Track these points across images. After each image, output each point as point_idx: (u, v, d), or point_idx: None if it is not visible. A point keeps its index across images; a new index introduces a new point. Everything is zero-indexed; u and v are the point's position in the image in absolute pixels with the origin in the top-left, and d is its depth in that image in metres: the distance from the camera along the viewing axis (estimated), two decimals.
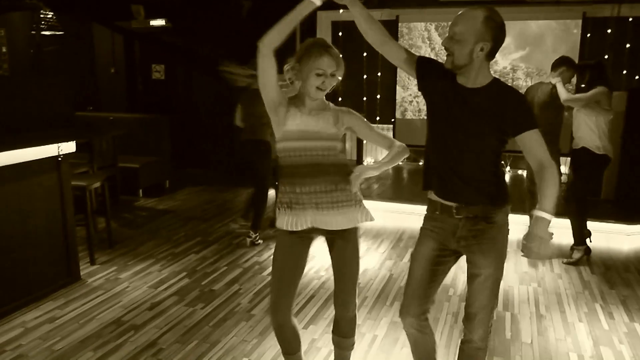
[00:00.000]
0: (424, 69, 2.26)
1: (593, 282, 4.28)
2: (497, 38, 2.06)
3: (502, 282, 4.12)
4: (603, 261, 4.75)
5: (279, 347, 3.12)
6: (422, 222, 2.37)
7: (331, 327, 2.72)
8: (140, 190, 6.79)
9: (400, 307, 2.40)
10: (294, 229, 2.37)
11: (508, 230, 2.27)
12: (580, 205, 4.60)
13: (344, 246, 2.47)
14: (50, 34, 7.06)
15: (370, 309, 3.74)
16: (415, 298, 2.33)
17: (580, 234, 4.64)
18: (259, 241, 5.06)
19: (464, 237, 2.22)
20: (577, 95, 4.62)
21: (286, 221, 2.38)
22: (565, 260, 4.67)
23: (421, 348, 2.46)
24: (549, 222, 2.04)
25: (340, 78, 2.35)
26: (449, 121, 2.17)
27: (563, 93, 4.56)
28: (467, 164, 2.16)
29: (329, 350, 3.12)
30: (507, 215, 2.25)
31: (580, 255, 4.65)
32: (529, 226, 2.09)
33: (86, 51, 8.71)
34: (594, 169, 4.62)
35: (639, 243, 5.27)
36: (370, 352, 3.17)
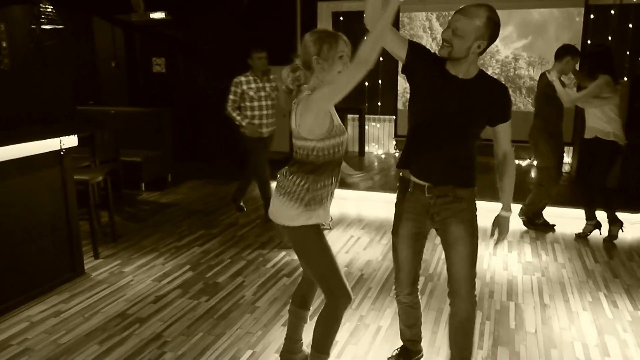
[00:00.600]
0: (415, 53, 2.33)
1: (597, 271, 4.27)
2: (493, 37, 2.23)
3: (505, 272, 4.13)
4: (607, 250, 4.74)
5: (283, 338, 3.16)
6: (395, 203, 2.56)
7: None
8: (143, 184, 6.79)
9: (395, 286, 2.66)
10: (326, 221, 2.47)
11: (476, 207, 2.47)
12: (604, 195, 4.89)
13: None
14: (50, 28, 7.04)
15: (375, 300, 3.75)
16: (406, 276, 2.58)
17: (611, 214, 4.90)
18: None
19: (437, 213, 2.41)
20: (578, 95, 4.65)
21: (321, 215, 2.41)
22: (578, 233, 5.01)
23: (412, 319, 2.76)
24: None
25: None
26: (438, 106, 2.30)
27: (563, 96, 4.59)
28: (449, 147, 2.33)
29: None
30: (474, 195, 2.46)
31: (617, 230, 4.90)
32: (497, 225, 2.51)
33: (86, 45, 8.68)
34: (605, 156, 4.67)
35: None
36: (375, 342, 3.18)
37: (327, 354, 2.55)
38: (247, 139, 5.20)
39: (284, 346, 2.83)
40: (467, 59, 2.24)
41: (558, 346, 3.14)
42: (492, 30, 2.20)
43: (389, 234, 5.11)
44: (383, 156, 8.58)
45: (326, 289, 2.45)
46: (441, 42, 2.27)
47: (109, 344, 3.17)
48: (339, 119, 2.40)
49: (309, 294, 2.74)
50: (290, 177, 2.38)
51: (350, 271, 4.23)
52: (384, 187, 6.53)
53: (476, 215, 2.47)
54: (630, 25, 7.24)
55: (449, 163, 2.36)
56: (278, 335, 3.24)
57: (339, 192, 2.58)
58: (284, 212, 2.38)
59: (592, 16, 7.36)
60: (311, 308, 2.82)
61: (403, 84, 8.39)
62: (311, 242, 2.42)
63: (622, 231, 4.92)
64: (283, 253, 4.62)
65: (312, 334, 2.55)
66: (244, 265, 4.37)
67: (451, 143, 2.34)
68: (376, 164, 8.06)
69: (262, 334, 3.28)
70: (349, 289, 2.46)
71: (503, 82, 2.51)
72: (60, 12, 7.19)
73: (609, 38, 7.29)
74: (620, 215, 5.26)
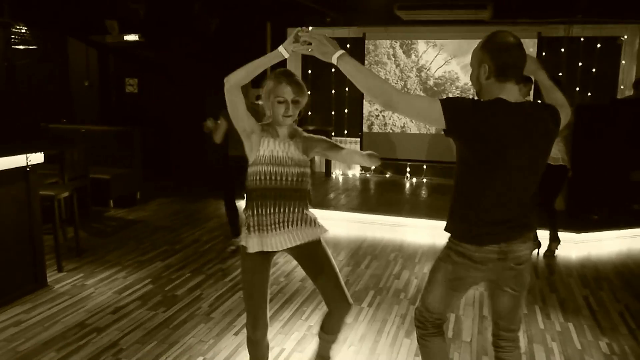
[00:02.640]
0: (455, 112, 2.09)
1: (537, 286, 4.55)
2: (496, 57, 2.06)
3: None
4: (549, 267, 5.04)
5: (233, 347, 3.35)
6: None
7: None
8: (111, 201, 6.93)
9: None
10: (266, 249, 2.51)
11: None
12: (551, 215, 5.31)
13: (313, 251, 2.63)
14: (24, 48, 7.21)
15: (325, 310, 3.95)
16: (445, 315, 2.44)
17: (553, 233, 5.35)
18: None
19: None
20: (563, 148, 5.11)
21: (257, 243, 2.50)
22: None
23: (443, 353, 2.51)
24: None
25: (303, 104, 2.52)
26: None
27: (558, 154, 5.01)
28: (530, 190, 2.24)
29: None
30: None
31: (555, 246, 5.35)
32: None
33: (60, 64, 8.85)
34: (556, 180, 5.12)
35: (586, 251, 5.58)
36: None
37: None
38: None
39: None
40: (482, 90, 2.15)
41: (489, 353, 3.39)
42: (491, 51, 2.08)
43: (346, 251, 5.37)
44: (350, 176, 8.85)
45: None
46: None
47: (66, 351, 3.32)
48: (290, 151, 2.53)
49: (327, 319, 2.80)
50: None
51: (304, 285, 4.44)
52: (345, 207, 6.78)
53: None
54: (580, 56, 7.70)
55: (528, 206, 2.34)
56: (229, 344, 3.44)
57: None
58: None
59: (544, 47, 7.80)
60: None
61: (368, 108, 8.72)
62: (241, 263, 2.62)
63: (557, 249, 5.35)
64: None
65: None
66: (203, 279, 4.56)
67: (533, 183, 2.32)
68: (341, 184, 8.32)
69: (214, 343, 3.46)
70: (259, 321, 2.59)
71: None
72: (36, 32, 7.37)
73: (560, 69, 7.73)
74: (565, 235, 5.60)
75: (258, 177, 2.50)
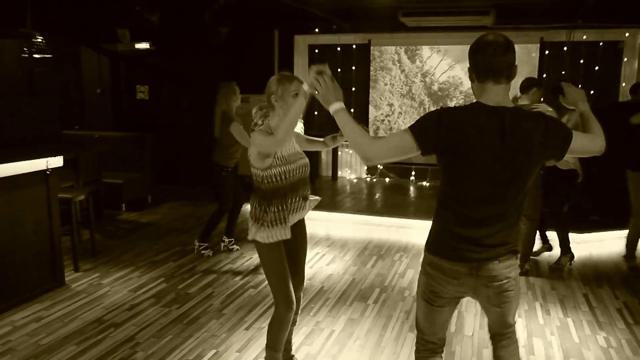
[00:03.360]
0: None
1: (537, 284, 4.68)
2: (472, 59, 2.07)
3: None
4: (550, 267, 5.16)
5: (244, 341, 3.51)
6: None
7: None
8: (123, 205, 7.13)
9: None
10: (286, 238, 2.74)
11: None
12: (562, 220, 5.20)
13: (299, 225, 2.93)
14: (40, 57, 7.43)
15: (331, 308, 4.11)
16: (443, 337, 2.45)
17: (564, 243, 5.16)
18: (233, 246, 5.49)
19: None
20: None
21: (283, 233, 2.72)
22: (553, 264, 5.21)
23: None
24: None
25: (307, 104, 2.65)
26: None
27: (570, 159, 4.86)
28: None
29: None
30: None
31: (566, 261, 5.16)
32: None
33: (73, 72, 9.08)
34: (565, 184, 5.09)
35: (587, 251, 5.70)
36: (327, 344, 3.54)
37: (278, 351, 2.90)
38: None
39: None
40: (474, 92, 2.14)
41: (490, 347, 3.52)
42: (470, 53, 2.09)
43: (352, 251, 5.52)
44: (355, 180, 9.01)
45: (274, 297, 2.83)
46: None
47: (85, 345, 3.49)
48: (293, 147, 2.80)
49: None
50: (252, 202, 2.80)
51: (312, 284, 4.59)
52: (351, 209, 6.93)
53: None
54: (582, 61, 7.83)
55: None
56: (240, 337, 3.60)
57: (309, 213, 2.94)
58: (249, 229, 2.79)
59: (547, 52, 7.94)
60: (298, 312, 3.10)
61: (374, 113, 8.88)
62: (264, 255, 2.80)
63: (571, 265, 5.18)
64: (251, 268, 4.98)
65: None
66: (214, 278, 4.72)
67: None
68: (348, 187, 8.48)
69: (226, 337, 3.62)
70: (293, 299, 2.80)
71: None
72: (50, 41, 7.60)
73: (563, 72, 7.87)
74: (584, 236, 5.74)
75: (274, 179, 2.70)
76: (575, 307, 4.20)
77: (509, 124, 1.98)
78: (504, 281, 2.15)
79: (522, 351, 3.44)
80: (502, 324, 2.34)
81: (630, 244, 5.21)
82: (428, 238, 2.22)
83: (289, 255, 2.87)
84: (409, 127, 2.03)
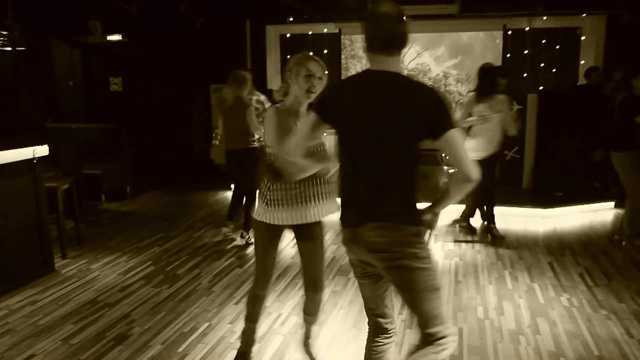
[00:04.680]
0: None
1: (506, 255, 5.01)
2: (366, 30, 2.08)
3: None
4: (518, 240, 5.49)
5: (235, 314, 3.72)
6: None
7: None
8: (103, 195, 7.20)
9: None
10: (274, 223, 2.74)
11: None
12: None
13: (314, 230, 2.85)
14: (9, 50, 7.40)
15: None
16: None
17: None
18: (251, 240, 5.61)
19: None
20: (484, 142, 5.09)
21: (270, 215, 2.73)
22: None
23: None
24: None
25: (324, 85, 2.71)
26: None
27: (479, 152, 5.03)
28: None
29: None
30: None
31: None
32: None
33: (45, 65, 9.04)
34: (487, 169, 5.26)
35: (552, 225, 6.06)
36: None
37: (254, 322, 3.06)
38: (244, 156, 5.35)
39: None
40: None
41: (464, 310, 3.82)
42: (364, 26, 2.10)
43: (331, 232, 5.74)
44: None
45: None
46: None
47: (83, 323, 3.64)
48: None
49: (307, 302, 3.04)
50: (263, 180, 2.80)
51: (295, 262, 4.80)
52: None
53: None
54: (543, 47, 8.21)
55: None
56: (231, 311, 3.80)
57: None
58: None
59: (509, 39, 8.29)
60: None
61: None
62: (257, 234, 2.90)
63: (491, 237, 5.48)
64: (235, 249, 5.17)
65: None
66: (200, 260, 4.90)
67: None
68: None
69: (217, 311, 3.82)
70: (267, 280, 2.90)
71: None
72: (21, 33, 7.57)
73: (524, 59, 8.24)
74: (532, 211, 6.09)
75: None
76: (541, 273, 4.53)
77: (385, 90, 2.01)
78: (388, 254, 2.06)
79: (492, 313, 3.76)
80: (416, 318, 2.15)
81: (632, 223, 5.17)
82: None
83: (302, 252, 2.91)
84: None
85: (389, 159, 2.03)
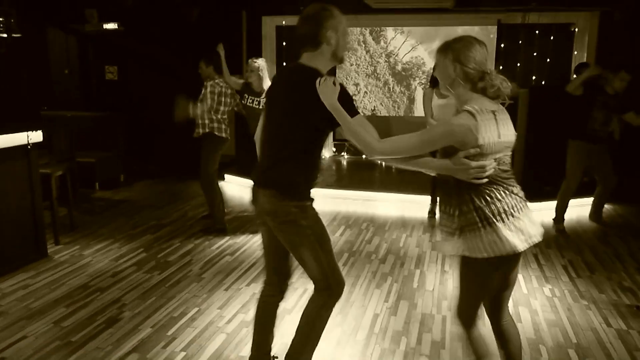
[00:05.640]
0: None
1: None
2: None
3: (417, 249, 4.86)
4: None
5: (224, 300, 3.80)
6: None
7: None
8: (97, 184, 7.25)
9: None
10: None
11: None
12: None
13: None
14: (5, 37, 7.42)
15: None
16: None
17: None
18: None
19: None
20: None
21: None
22: None
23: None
24: None
25: None
26: None
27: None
28: None
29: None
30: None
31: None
32: None
33: (40, 53, 9.05)
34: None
35: (539, 218, 6.10)
36: (301, 301, 3.85)
37: None
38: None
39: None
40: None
41: (448, 298, 3.90)
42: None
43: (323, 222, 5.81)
44: (324, 157, 9.32)
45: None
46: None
47: (74, 307, 3.71)
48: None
49: None
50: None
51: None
52: (322, 184, 7.24)
53: None
54: (536, 42, 8.28)
55: None
56: (220, 297, 3.88)
57: None
58: None
59: (503, 34, 8.36)
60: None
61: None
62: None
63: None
64: (226, 238, 5.25)
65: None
66: (191, 248, 4.97)
67: None
68: None
69: (207, 297, 3.90)
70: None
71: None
72: (16, 20, 7.59)
73: (518, 54, 8.31)
74: (537, 204, 6.19)
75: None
76: (526, 265, 4.62)
77: (290, 77, 2.51)
78: (272, 217, 2.45)
79: None
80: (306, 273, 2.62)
81: (560, 208, 5.71)
82: None
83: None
84: None
85: (288, 137, 2.41)
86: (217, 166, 5.40)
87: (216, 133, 5.31)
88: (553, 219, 5.77)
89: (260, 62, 5.48)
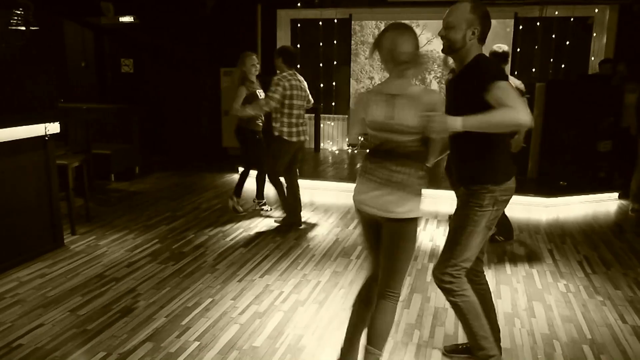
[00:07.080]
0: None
1: (507, 243, 5.06)
2: (484, 23, 2.50)
3: (430, 243, 4.86)
4: (520, 227, 5.54)
5: (238, 291, 3.83)
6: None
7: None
8: (112, 175, 7.32)
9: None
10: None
11: None
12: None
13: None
14: (24, 29, 7.50)
15: (317, 262, 4.44)
16: None
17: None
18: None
19: None
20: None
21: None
22: None
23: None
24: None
25: None
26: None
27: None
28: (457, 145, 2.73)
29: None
30: None
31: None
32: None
33: (57, 46, 9.14)
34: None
35: (555, 214, 6.10)
36: (314, 293, 3.86)
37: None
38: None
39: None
40: (465, 47, 2.51)
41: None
42: (480, 16, 2.49)
43: (336, 215, 5.83)
44: (337, 152, 9.30)
45: None
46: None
47: (90, 296, 3.76)
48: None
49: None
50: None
51: (298, 243, 4.91)
52: (335, 177, 7.24)
53: None
54: (553, 35, 8.18)
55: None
56: (234, 288, 3.90)
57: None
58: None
59: (520, 27, 8.26)
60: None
61: (355, 86, 9.14)
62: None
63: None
64: (240, 230, 5.27)
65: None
66: (206, 239, 5.00)
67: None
68: (330, 158, 8.77)
69: (221, 287, 3.92)
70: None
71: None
72: (34, 14, 7.66)
73: (536, 47, 8.22)
74: (536, 199, 6.11)
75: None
76: (541, 260, 4.59)
77: None
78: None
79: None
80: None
81: (637, 189, 6.00)
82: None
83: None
84: None
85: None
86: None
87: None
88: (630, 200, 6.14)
89: None
